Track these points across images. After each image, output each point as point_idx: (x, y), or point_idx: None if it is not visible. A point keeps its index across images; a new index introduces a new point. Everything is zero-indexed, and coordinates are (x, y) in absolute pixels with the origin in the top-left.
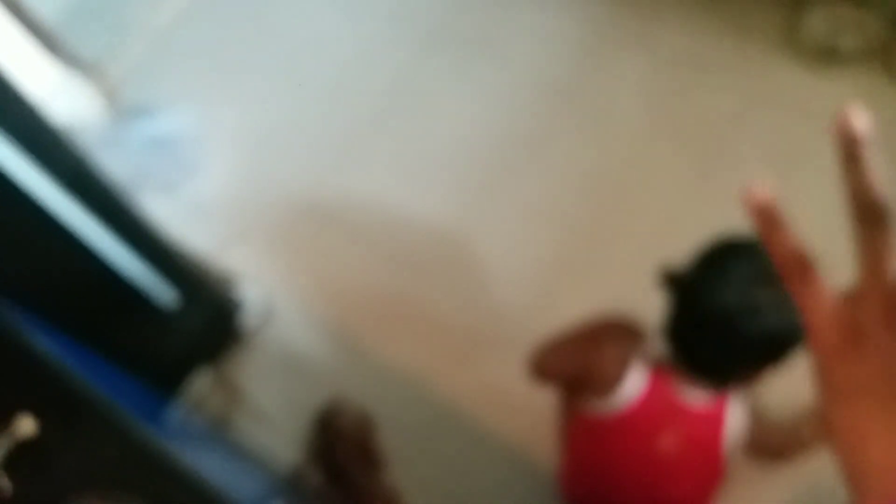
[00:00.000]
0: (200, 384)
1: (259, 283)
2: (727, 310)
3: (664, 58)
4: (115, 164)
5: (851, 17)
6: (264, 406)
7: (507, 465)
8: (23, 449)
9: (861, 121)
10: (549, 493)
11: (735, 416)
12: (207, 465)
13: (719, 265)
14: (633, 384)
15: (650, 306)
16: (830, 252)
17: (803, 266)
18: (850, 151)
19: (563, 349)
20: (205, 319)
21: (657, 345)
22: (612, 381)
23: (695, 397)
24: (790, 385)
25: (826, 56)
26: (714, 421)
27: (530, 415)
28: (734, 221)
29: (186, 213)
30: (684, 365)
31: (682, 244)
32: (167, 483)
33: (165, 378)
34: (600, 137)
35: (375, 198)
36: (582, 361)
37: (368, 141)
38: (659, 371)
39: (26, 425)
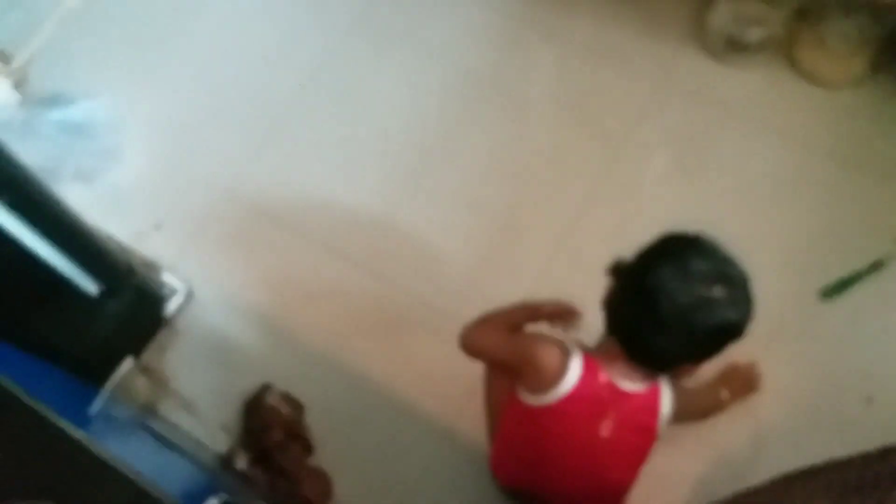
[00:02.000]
0: (126, 373)
1: (181, 270)
2: (687, 305)
3: (577, 48)
4: (29, 152)
5: (756, 9)
6: (191, 393)
7: (437, 446)
8: None
9: None
10: (479, 474)
11: (667, 397)
12: (135, 456)
13: (679, 262)
14: (572, 375)
15: (572, 288)
16: (736, 233)
17: None
18: None
19: (498, 339)
20: (127, 308)
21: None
22: (551, 380)
23: (631, 383)
24: None
25: (732, 47)
26: (650, 404)
27: (460, 397)
28: (643, 204)
29: (105, 201)
30: (633, 355)
31: (598, 226)
32: (94, 483)
33: (90, 368)
34: (518, 125)
35: (298, 185)
36: (518, 358)
37: (289, 129)
38: (594, 359)
39: None
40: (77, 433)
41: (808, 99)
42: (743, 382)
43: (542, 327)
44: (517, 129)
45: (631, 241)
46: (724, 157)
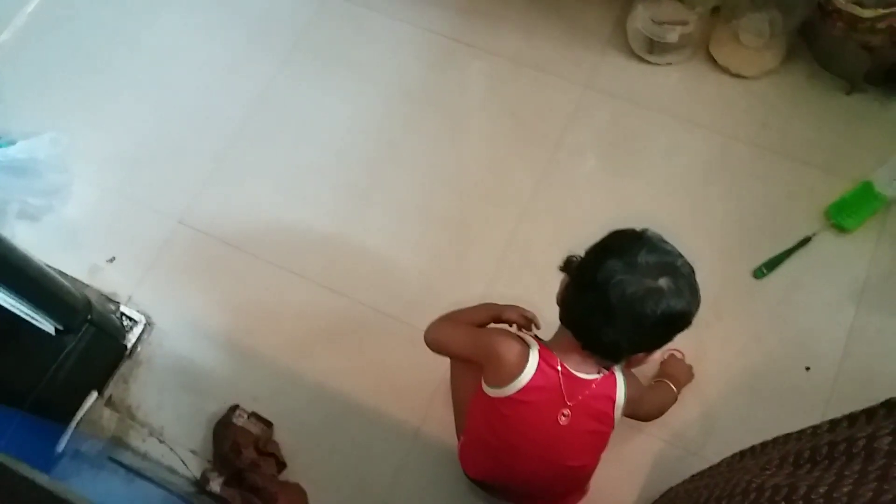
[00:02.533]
0: (90, 408)
1: (138, 301)
2: (637, 296)
3: (506, 60)
4: None
5: (672, 10)
6: (159, 421)
7: (406, 449)
8: None
9: None
10: (450, 471)
11: (621, 386)
12: (107, 490)
13: (627, 256)
14: (530, 367)
15: (522, 288)
16: (670, 224)
17: None
18: None
19: (461, 335)
20: (87, 343)
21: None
22: (512, 372)
23: (587, 372)
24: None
25: (652, 48)
26: (606, 392)
27: (423, 399)
28: (581, 203)
29: (55, 238)
30: (587, 346)
31: (541, 229)
32: None
33: (54, 406)
34: (457, 137)
35: (249, 208)
36: (481, 352)
37: (238, 154)
38: (551, 351)
39: None
40: (42, 479)
41: (728, 91)
42: (680, 372)
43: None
44: (457, 140)
45: (572, 239)
46: (652, 153)
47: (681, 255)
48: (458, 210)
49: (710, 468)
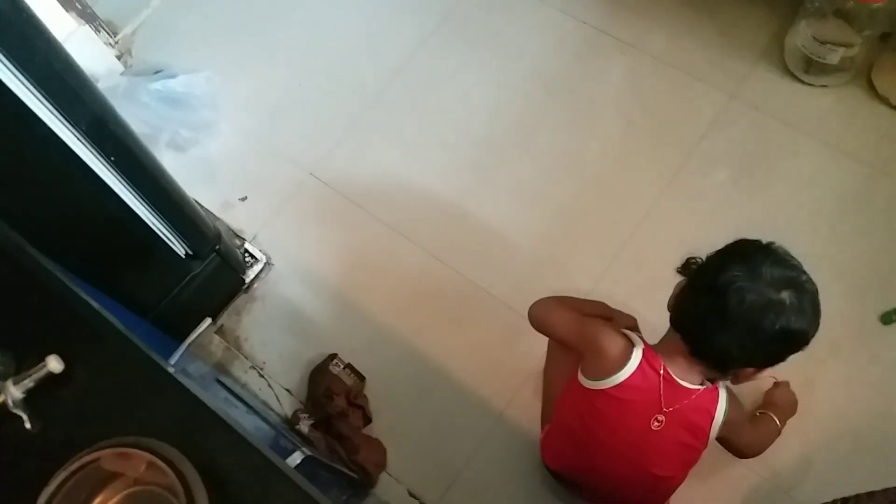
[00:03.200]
0: (203, 332)
1: (262, 241)
2: (756, 305)
3: (652, 58)
4: (129, 118)
5: (837, 31)
6: (262, 357)
7: (488, 429)
8: (51, 387)
9: None
10: (527, 459)
11: (723, 403)
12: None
13: (752, 264)
14: (631, 364)
15: (631, 290)
16: (798, 250)
17: None
18: None
19: (568, 318)
20: (211, 272)
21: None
22: (612, 366)
23: (690, 381)
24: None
25: (809, 67)
26: (705, 405)
27: (512, 384)
28: (705, 214)
29: (196, 170)
30: (696, 352)
31: (660, 233)
32: (201, 428)
33: (171, 324)
34: (589, 128)
35: (376, 170)
36: (584, 339)
37: (373, 117)
38: (656, 353)
39: (53, 363)
40: (185, 381)
41: (884, 123)
42: (787, 403)
43: None
44: (588, 131)
45: (690, 249)
46: (790, 174)
47: (806, 273)
48: (578, 201)
49: None
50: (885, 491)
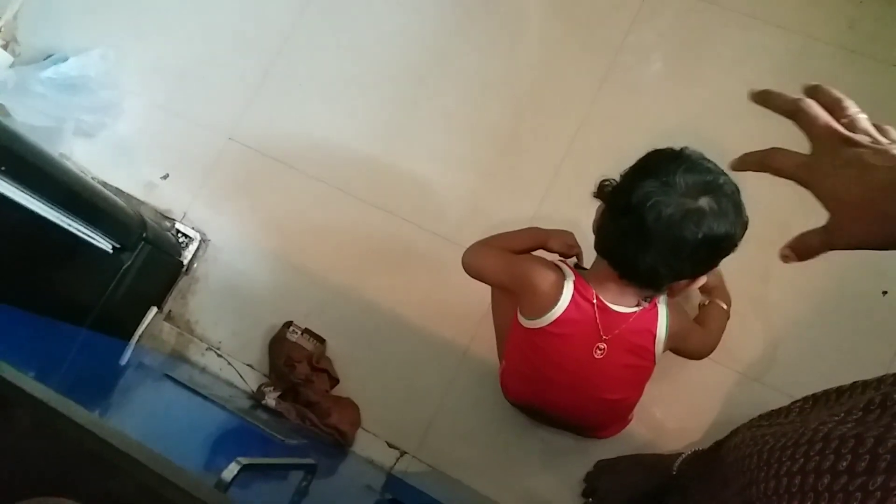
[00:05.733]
0: (150, 323)
1: (193, 218)
2: (675, 218)
3: None
4: (27, 112)
5: None
6: (216, 336)
7: (455, 369)
8: None
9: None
10: (496, 393)
11: (663, 319)
12: (168, 401)
13: (664, 176)
14: (564, 298)
15: (576, 209)
16: (742, 135)
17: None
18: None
19: (497, 261)
20: (144, 260)
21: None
22: (547, 303)
23: (625, 305)
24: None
25: None
26: (645, 326)
27: (472, 320)
28: (643, 115)
29: (110, 155)
30: (624, 275)
31: (599, 142)
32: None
33: (115, 322)
34: (511, 43)
35: (297, 124)
36: (516, 280)
37: (284, 68)
38: (587, 282)
39: None
40: (86, 418)
41: None
42: (719, 280)
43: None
44: (509, 47)
45: (634, 153)
46: (723, 57)
47: (724, 173)
48: (510, 122)
49: (779, 411)
50: (853, 387)
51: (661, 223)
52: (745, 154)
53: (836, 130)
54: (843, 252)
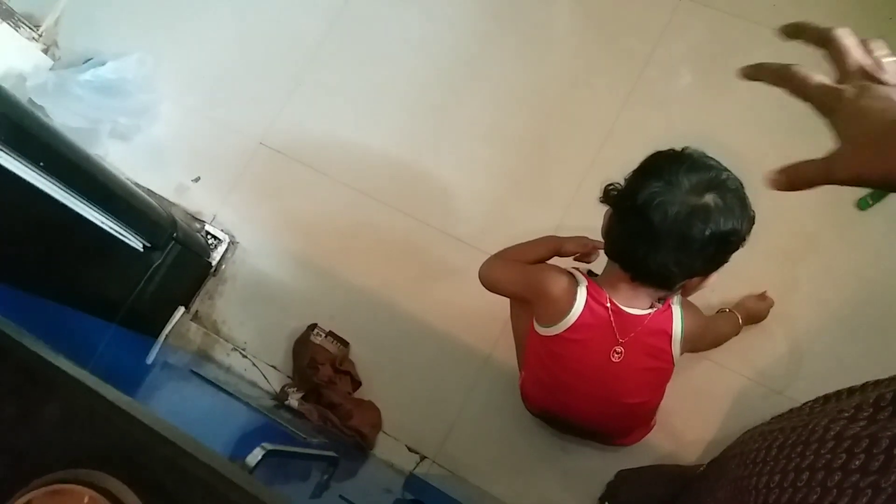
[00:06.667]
0: (177, 322)
1: (222, 220)
2: (681, 216)
3: None
4: (65, 114)
5: None
6: (242, 337)
7: (476, 375)
8: None
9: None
10: (516, 400)
11: (678, 320)
12: (193, 399)
13: (668, 176)
14: (578, 304)
15: (594, 218)
16: (772, 147)
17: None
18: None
19: (511, 273)
20: (174, 260)
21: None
22: (561, 310)
23: (639, 307)
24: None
25: None
26: (661, 327)
27: (494, 328)
28: (671, 125)
29: (145, 157)
30: (636, 277)
31: (625, 152)
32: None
33: (143, 320)
34: (540, 54)
35: (327, 129)
36: (530, 290)
37: (316, 74)
38: (599, 286)
39: None
40: (121, 399)
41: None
42: (756, 312)
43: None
44: (539, 58)
45: None
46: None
47: (727, 170)
48: (536, 132)
49: (791, 411)
50: (864, 386)
51: (667, 222)
52: (762, 63)
53: (867, 64)
54: (872, 265)
